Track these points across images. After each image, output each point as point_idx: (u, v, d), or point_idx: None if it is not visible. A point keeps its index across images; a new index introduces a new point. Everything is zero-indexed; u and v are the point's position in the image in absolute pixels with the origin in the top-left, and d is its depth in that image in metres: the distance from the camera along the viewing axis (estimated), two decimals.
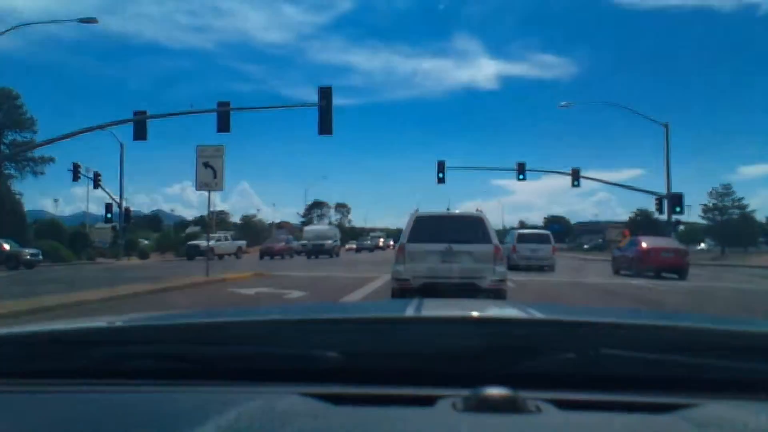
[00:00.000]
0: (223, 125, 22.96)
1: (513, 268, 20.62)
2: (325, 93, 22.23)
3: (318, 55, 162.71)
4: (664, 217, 34.04)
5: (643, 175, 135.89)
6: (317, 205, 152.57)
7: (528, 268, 24.15)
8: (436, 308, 1.84)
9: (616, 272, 24.26)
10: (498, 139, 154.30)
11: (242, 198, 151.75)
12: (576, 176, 35.40)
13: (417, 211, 10.96)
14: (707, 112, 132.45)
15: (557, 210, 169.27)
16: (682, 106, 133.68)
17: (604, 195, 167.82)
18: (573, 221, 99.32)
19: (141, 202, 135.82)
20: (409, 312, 1.57)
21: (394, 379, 1.14)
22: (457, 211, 11.74)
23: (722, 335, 1.34)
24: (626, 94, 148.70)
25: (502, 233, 31.66)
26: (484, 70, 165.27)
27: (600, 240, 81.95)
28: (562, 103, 37.68)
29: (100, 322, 1.54)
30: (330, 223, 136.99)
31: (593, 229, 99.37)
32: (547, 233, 28.43)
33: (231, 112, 23.25)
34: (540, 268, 25.11)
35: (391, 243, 71.72)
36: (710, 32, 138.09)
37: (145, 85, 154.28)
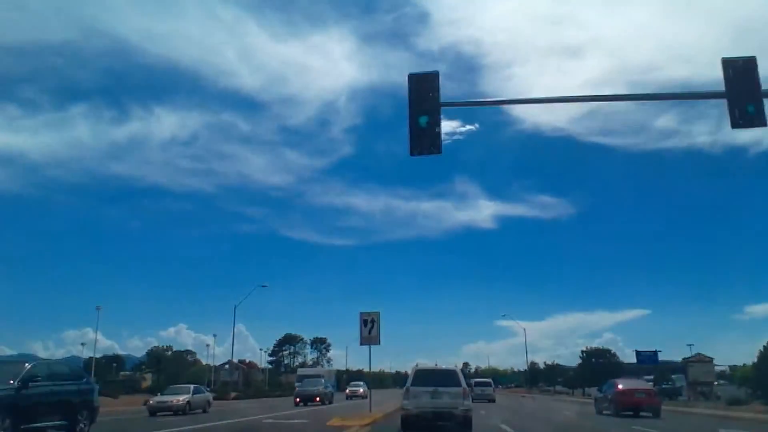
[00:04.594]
0: None
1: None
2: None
3: (318, 198, 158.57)
4: None
5: (648, 316, 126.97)
6: (289, 339, 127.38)
7: (480, 400, 39.72)
8: None
9: (599, 412, 27.65)
10: (498, 277, 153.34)
11: (238, 341, 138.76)
12: None
13: (417, 365, 18.12)
14: (709, 249, 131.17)
15: (563, 351, 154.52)
16: (681, 244, 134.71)
17: (610, 336, 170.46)
18: (573, 363, 78.51)
19: (134, 346, 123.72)
20: None
21: None
22: (442, 366, 19.73)
23: None
24: (624, 233, 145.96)
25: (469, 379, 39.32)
26: (482, 211, 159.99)
27: (676, 383, 56.76)
28: None
29: None
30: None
31: (639, 369, 74.65)
32: (489, 380, 49.19)
33: None
34: (487, 400, 41.46)
35: (328, 390, 41.56)
36: (703, 171, 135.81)
37: (145, 228, 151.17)
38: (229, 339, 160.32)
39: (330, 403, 37.91)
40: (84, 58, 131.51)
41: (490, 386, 44.86)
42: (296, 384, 48.12)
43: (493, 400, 41.22)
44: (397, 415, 21.26)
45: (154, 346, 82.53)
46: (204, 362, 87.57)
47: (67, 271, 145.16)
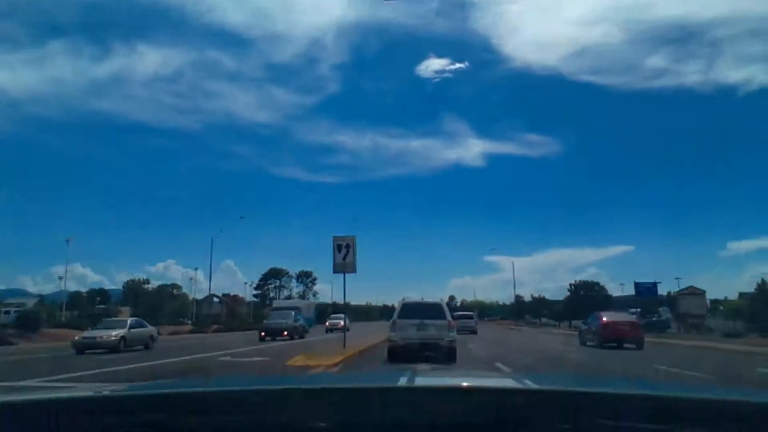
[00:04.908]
0: None
1: None
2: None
3: (306, 135, 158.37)
4: None
5: (632, 252, 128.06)
6: (274, 273, 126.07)
7: (462, 331, 33.46)
8: (429, 378, 1.82)
9: (583, 344, 28.34)
10: (486, 215, 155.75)
11: (226, 276, 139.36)
12: None
13: (404, 299, 18.79)
14: (693, 188, 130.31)
15: (548, 286, 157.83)
16: (666, 182, 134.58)
17: (594, 271, 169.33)
18: (560, 297, 79.39)
19: (122, 281, 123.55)
20: (402, 381, 1.55)
21: None
22: (428, 300, 18.60)
23: (722, 404, 1.34)
24: (611, 171, 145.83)
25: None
26: (471, 149, 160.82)
27: (662, 316, 55.87)
28: None
29: (86, 391, 1.54)
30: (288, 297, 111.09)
31: (627, 302, 74.32)
32: (471, 313, 51.57)
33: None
34: (469, 332, 40.96)
35: (299, 323, 36.46)
36: (691, 111, 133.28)
37: (132, 165, 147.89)
38: (218, 273, 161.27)
39: (301, 337, 34.70)
40: None
41: (472, 319, 47.70)
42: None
43: (474, 332, 42.66)
44: (375, 350, 20.16)
45: (130, 279, 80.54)
46: (191, 296, 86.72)
47: (55, 208, 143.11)
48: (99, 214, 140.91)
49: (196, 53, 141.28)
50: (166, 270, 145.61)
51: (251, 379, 2.11)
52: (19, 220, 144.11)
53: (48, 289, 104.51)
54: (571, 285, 66.73)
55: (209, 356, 19.54)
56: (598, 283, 65.90)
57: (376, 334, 35.73)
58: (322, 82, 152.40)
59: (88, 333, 24.44)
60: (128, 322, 25.51)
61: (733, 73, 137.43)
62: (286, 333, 32.87)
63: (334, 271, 18.42)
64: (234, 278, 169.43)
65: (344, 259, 18.00)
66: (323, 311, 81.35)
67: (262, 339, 31.75)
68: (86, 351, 22.39)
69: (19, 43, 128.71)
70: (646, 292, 49.54)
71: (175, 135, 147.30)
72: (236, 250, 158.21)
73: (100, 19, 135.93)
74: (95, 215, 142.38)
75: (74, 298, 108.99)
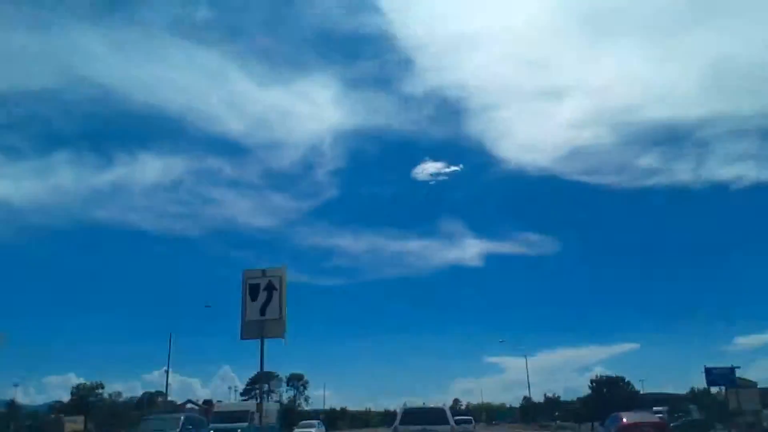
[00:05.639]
0: None
1: None
2: None
3: (305, 239, 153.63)
4: None
5: (638, 349, 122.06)
6: (263, 376, 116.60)
7: None
8: None
9: None
10: (487, 315, 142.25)
11: (224, 382, 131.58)
12: None
13: (405, 404, 19.48)
14: (694, 282, 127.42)
15: (554, 386, 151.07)
16: (666, 278, 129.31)
17: (600, 370, 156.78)
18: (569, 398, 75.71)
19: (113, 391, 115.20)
20: None
21: None
22: (430, 405, 20.22)
23: None
24: (609, 268, 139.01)
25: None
26: (469, 250, 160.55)
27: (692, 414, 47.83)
28: None
29: None
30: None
31: (655, 399, 66.08)
32: (469, 417, 49.62)
33: None
34: None
35: None
36: (685, 207, 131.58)
37: (129, 272, 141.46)
38: (215, 380, 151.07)
39: None
40: (67, 105, 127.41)
41: (470, 423, 47.21)
42: None
43: None
44: None
45: (79, 384, 69.93)
46: (179, 403, 77.56)
47: (50, 317, 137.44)
48: (99, 323, 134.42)
49: (196, 161, 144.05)
50: (162, 377, 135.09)
51: None
52: (13, 330, 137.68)
53: (40, 399, 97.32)
54: (592, 381, 58.58)
55: None
56: (623, 378, 57.75)
57: None
58: (320, 187, 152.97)
59: None
60: None
61: (723, 170, 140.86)
62: None
63: (243, 336, 10.20)
64: (233, 384, 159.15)
65: (263, 312, 9.86)
66: (313, 417, 72.02)
67: None
68: None
69: (23, 153, 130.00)
70: (720, 379, 38.32)
71: (174, 242, 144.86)
72: (235, 355, 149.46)
73: (103, 128, 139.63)
74: (95, 324, 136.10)
75: (52, 408, 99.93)
